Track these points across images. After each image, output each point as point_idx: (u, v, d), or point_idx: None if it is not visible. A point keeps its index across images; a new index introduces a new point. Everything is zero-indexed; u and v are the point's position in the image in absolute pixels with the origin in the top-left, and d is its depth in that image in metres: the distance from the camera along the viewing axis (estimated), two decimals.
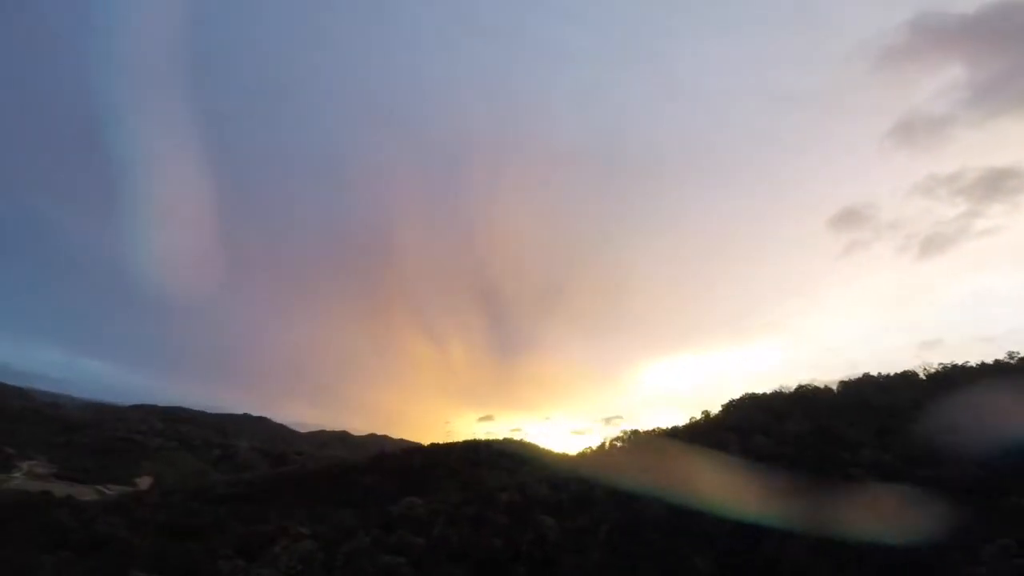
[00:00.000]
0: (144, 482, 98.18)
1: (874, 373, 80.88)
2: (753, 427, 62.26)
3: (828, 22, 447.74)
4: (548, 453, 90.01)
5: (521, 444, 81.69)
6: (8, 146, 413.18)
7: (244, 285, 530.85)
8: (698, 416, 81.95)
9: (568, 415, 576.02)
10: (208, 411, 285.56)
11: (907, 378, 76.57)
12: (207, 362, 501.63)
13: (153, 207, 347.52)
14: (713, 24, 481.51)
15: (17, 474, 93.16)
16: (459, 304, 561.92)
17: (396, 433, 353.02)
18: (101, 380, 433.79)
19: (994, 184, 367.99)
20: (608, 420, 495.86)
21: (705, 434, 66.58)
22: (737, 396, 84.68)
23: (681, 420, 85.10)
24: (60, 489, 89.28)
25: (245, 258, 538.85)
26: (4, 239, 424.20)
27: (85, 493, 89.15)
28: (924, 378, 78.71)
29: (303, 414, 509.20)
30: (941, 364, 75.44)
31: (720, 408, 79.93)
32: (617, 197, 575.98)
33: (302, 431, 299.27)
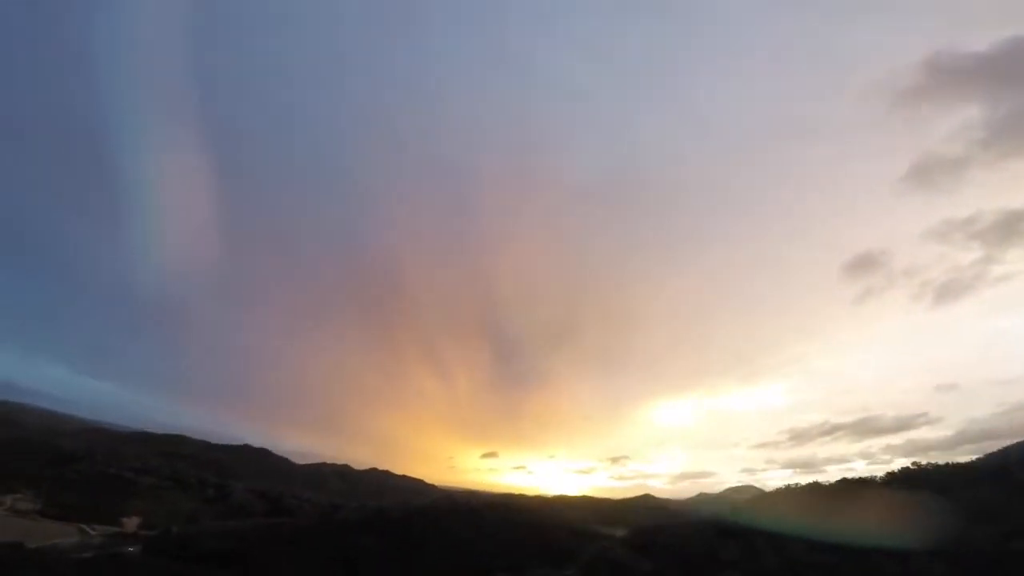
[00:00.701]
0: (131, 523, 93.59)
1: (923, 463, 75.03)
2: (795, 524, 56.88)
3: (843, 61, 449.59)
4: (556, 520, 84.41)
5: (526, 513, 75.96)
6: (13, 158, 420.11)
7: (250, 309, 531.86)
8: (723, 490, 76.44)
9: (573, 453, 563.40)
10: (209, 440, 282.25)
11: (965, 471, 70.54)
12: (210, 386, 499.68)
13: (160, 226, 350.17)
14: (728, 61, 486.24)
15: None
16: (466, 337, 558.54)
17: (399, 467, 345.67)
18: (104, 401, 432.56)
19: (1009, 227, 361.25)
20: (614, 460, 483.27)
21: (741, 531, 60.82)
22: (770, 489, 79.73)
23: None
24: (41, 528, 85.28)
25: (251, 282, 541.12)
26: (12, 253, 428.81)
27: (68, 533, 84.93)
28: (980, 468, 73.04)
29: (305, 442, 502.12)
30: (1001, 449, 70.00)
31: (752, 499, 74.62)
32: (629, 233, 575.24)
33: (303, 462, 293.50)
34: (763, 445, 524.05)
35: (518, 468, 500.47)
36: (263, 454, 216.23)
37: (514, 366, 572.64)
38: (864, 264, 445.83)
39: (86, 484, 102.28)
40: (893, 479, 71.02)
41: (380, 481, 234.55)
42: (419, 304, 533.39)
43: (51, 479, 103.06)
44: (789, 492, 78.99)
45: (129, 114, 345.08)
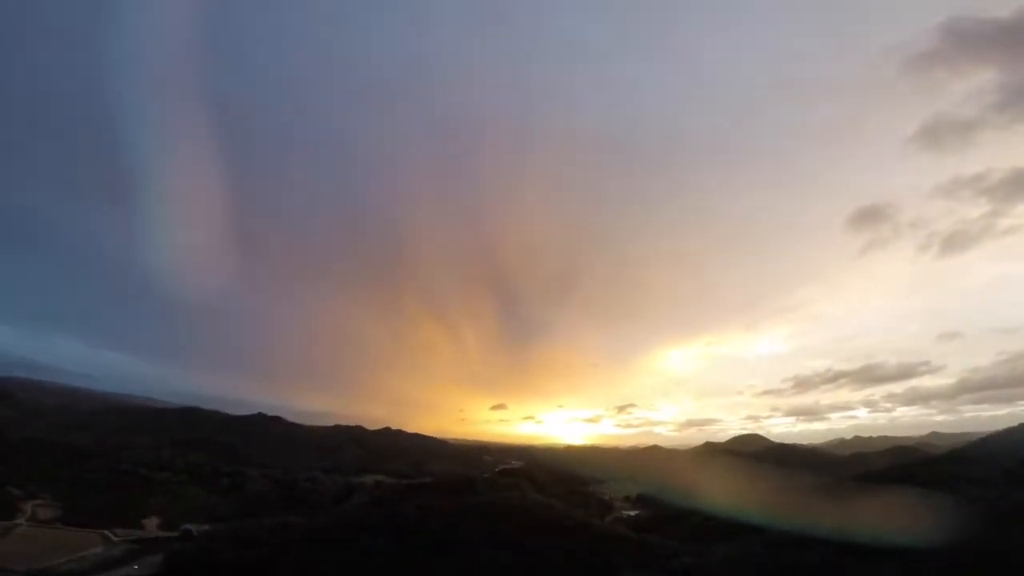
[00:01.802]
0: (151, 524, 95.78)
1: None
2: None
3: (858, 22, 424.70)
4: (577, 509, 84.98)
5: (543, 510, 76.05)
6: (24, 140, 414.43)
7: (258, 275, 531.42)
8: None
9: (581, 402, 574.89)
10: (223, 409, 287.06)
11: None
12: (222, 352, 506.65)
13: (166, 198, 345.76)
14: (737, 16, 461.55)
15: (21, 519, 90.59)
16: (472, 292, 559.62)
17: (410, 424, 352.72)
18: (119, 372, 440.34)
19: (1019, 184, 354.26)
20: (621, 408, 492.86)
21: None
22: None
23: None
24: (65, 539, 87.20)
25: (258, 248, 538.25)
26: (24, 232, 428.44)
27: (92, 541, 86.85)
28: None
29: (318, 403, 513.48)
30: None
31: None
32: (632, 185, 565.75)
33: (317, 424, 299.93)
34: (767, 392, 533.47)
35: (527, 418, 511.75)
36: (276, 423, 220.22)
37: (521, 319, 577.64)
38: (870, 216, 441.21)
39: (103, 484, 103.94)
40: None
41: (393, 443, 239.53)
42: (425, 262, 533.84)
43: (68, 480, 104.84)
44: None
45: (136, 93, 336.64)
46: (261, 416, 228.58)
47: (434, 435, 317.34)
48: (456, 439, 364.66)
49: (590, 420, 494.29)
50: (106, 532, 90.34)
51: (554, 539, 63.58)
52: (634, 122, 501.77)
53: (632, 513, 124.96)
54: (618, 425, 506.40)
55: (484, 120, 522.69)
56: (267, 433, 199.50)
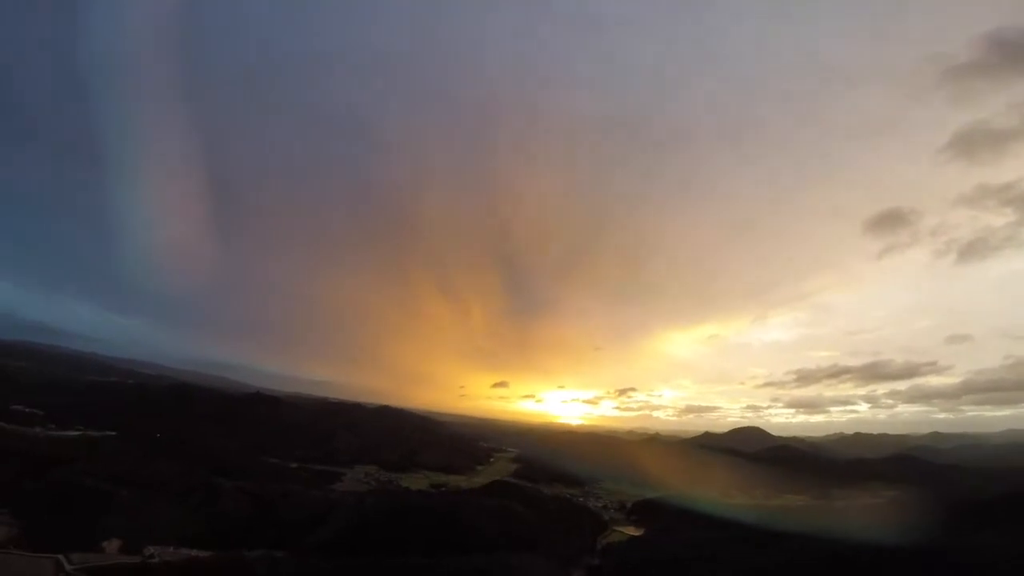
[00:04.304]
0: (112, 546, 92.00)
1: None
2: None
3: (900, 24, 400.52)
4: None
5: None
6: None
7: (267, 247, 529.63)
8: None
9: (581, 383, 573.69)
10: (223, 383, 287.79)
11: None
12: (231, 319, 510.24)
13: (179, 171, 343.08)
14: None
15: None
16: (479, 269, 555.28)
17: (411, 398, 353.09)
18: (131, 337, 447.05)
19: None
20: (621, 391, 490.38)
21: None
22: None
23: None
24: (13, 565, 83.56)
25: (266, 221, 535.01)
26: (34, 197, 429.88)
27: (44, 568, 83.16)
28: None
29: (321, 372, 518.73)
30: None
31: None
32: (643, 166, 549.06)
33: (316, 397, 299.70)
34: (769, 384, 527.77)
35: (527, 396, 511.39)
36: (271, 406, 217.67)
37: (526, 297, 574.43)
38: (891, 220, 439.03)
39: (65, 498, 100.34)
40: None
41: (389, 425, 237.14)
42: (433, 238, 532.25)
43: (31, 492, 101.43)
44: None
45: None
46: (258, 397, 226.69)
47: (434, 412, 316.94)
48: (456, 415, 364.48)
49: (589, 401, 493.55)
50: (60, 557, 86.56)
51: None
52: (648, 103, 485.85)
53: (630, 532, 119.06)
54: (618, 408, 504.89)
55: (496, 98, 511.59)
56: (259, 419, 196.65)
